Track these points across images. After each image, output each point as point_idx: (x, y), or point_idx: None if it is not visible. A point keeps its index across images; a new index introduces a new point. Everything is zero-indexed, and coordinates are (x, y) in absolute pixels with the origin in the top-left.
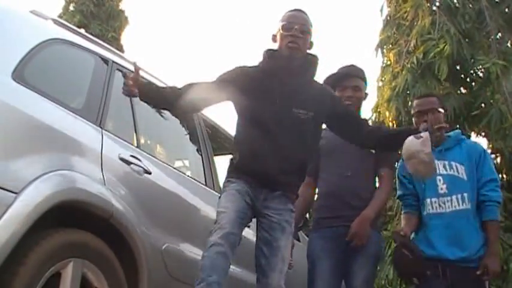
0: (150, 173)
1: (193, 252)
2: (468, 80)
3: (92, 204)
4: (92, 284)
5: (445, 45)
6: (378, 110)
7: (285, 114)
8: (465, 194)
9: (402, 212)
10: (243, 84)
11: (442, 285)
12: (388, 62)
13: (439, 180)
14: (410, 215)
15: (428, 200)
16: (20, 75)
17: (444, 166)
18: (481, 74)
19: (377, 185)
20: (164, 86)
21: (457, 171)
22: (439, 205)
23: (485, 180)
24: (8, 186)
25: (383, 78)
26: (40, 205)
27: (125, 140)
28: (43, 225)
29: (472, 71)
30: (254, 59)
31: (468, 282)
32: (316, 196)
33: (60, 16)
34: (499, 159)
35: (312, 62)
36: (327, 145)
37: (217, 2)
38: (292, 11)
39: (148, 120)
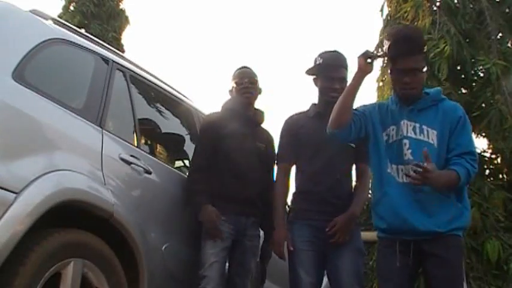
0: (150, 173)
1: (193, 252)
2: (468, 80)
3: (92, 204)
4: (92, 284)
5: (445, 46)
6: None
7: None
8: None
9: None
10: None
11: (405, 259)
12: None
13: (405, 144)
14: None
15: (392, 165)
16: (20, 75)
17: (414, 129)
18: (481, 75)
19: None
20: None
21: (428, 136)
22: (399, 173)
23: (461, 152)
24: (8, 186)
25: (383, 78)
26: (40, 205)
27: (125, 140)
28: (43, 225)
29: (472, 72)
30: (254, 58)
31: (440, 255)
32: (296, 184)
33: (60, 16)
34: (499, 159)
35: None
36: (311, 136)
37: (217, 1)
38: (239, 69)
39: (149, 120)
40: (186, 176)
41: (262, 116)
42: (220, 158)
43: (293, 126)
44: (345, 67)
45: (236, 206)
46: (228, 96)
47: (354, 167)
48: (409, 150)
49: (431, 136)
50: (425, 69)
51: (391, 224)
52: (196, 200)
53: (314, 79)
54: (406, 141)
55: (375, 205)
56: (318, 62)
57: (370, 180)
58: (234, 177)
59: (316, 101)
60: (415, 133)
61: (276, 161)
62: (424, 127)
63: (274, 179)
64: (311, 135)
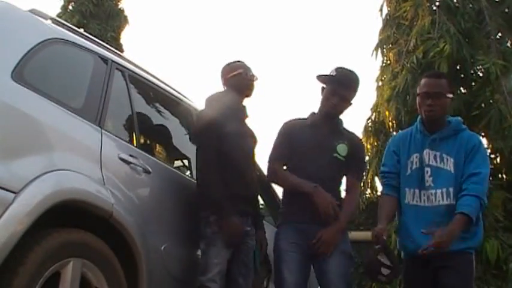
0: (149, 173)
1: (193, 251)
2: (468, 80)
3: (92, 204)
4: (92, 283)
5: (444, 45)
6: (378, 109)
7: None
8: (450, 189)
9: (383, 193)
10: None
11: (426, 273)
12: (388, 62)
13: (427, 172)
14: (391, 199)
15: (410, 190)
16: (19, 75)
17: (435, 157)
18: (480, 74)
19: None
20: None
21: (446, 164)
22: (421, 198)
23: (469, 174)
24: (7, 186)
25: (383, 78)
26: (40, 205)
27: (125, 140)
28: (43, 225)
29: (471, 71)
30: (253, 58)
31: (452, 267)
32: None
33: (59, 16)
34: (498, 159)
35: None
36: (304, 143)
37: (217, 1)
38: (239, 61)
39: (148, 120)
40: (200, 176)
41: (246, 112)
42: (222, 157)
43: (288, 130)
44: (354, 89)
45: (240, 205)
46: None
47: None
48: (431, 178)
49: (449, 164)
50: (450, 95)
51: (409, 248)
52: (222, 209)
53: (322, 87)
54: (427, 169)
55: (398, 230)
56: (331, 73)
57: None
58: (237, 176)
59: (316, 110)
60: (436, 161)
61: (268, 160)
62: (444, 156)
63: (269, 172)
64: (304, 142)
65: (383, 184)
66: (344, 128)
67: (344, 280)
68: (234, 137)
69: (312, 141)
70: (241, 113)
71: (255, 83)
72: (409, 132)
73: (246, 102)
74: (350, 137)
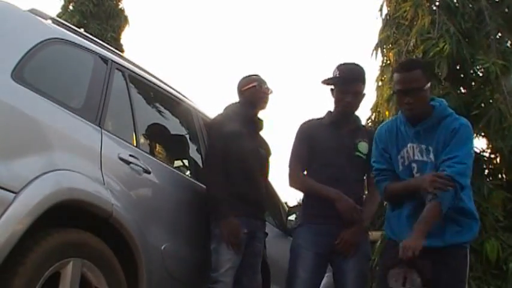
0: (149, 173)
1: (193, 251)
2: (468, 79)
3: (92, 204)
4: (92, 283)
5: (444, 45)
6: (378, 109)
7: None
8: None
9: (384, 186)
10: None
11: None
12: (388, 62)
13: (413, 168)
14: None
15: None
16: (19, 74)
17: (421, 151)
18: (480, 74)
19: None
20: None
21: (429, 156)
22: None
23: (442, 160)
24: (7, 186)
25: (383, 78)
26: (39, 205)
27: (124, 140)
28: (43, 225)
29: (471, 71)
30: (253, 58)
31: (445, 262)
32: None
33: (59, 16)
34: (498, 159)
35: None
36: (325, 144)
37: (217, 1)
38: (255, 75)
39: (148, 120)
40: (204, 177)
41: (262, 124)
42: (232, 159)
43: (307, 133)
44: (361, 80)
45: (248, 207)
46: (231, 97)
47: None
48: (418, 174)
49: (430, 156)
50: (427, 86)
51: (399, 238)
52: (220, 209)
53: (331, 89)
54: (414, 164)
55: (387, 219)
56: (335, 74)
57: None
58: (246, 179)
59: (331, 109)
60: (422, 156)
61: (288, 164)
62: (429, 148)
63: (290, 177)
64: (324, 143)
65: (381, 181)
66: (363, 125)
67: (362, 280)
68: (245, 141)
69: (332, 141)
70: (255, 124)
71: (270, 96)
72: (394, 125)
73: (262, 114)
74: (370, 134)
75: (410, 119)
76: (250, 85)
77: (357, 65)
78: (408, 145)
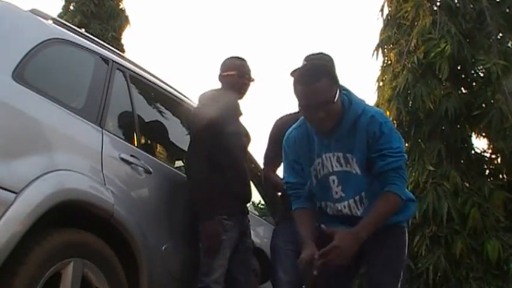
0: (150, 173)
1: (194, 252)
2: (469, 80)
3: (92, 204)
4: (93, 284)
5: (445, 45)
6: None
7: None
8: (363, 194)
9: (293, 208)
10: None
11: None
12: (389, 62)
13: (333, 181)
14: (308, 213)
15: (325, 203)
16: (20, 75)
17: (338, 161)
18: (481, 74)
19: None
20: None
21: (351, 165)
22: (338, 211)
23: (376, 156)
24: (8, 186)
25: (384, 78)
26: (40, 205)
27: (126, 140)
28: (43, 225)
29: (472, 71)
30: (254, 58)
31: (379, 240)
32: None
33: (60, 16)
34: (499, 159)
35: None
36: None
37: (218, 1)
38: (239, 59)
39: (149, 120)
40: (190, 174)
41: (241, 110)
42: (221, 156)
43: (282, 130)
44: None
45: (240, 205)
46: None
47: None
48: (339, 187)
49: (353, 165)
50: (337, 94)
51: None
52: (201, 209)
53: None
54: (333, 177)
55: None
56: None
57: None
58: (236, 176)
59: None
60: (341, 164)
61: (263, 163)
62: (348, 155)
63: (264, 178)
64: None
65: (291, 197)
66: None
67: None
68: (235, 137)
69: None
70: (237, 111)
71: (250, 85)
72: (305, 131)
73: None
74: None
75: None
76: (230, 72)
77: (324, 54)
78: (323, 155)
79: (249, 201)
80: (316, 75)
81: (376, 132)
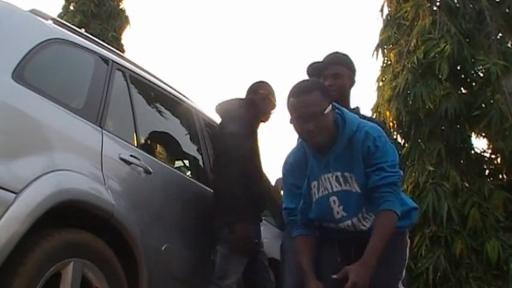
0: (150, 173)
1: (194, 252)
2: (468, 80)
3: (92, 205)
4: (93, 284)
5: (445, 45)
6: (379, 110)
7: None
8: (363, 209)
9: (294, 235)
10: None
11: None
12: (389, 62)
13: (334, 202)
14: (309, 241)
15: (324, 224)
16: (20, 75)
17: (338, 180)
18: (481, 74)
19: None
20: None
21: (351, 183)
22: (340, 228)
23: (370, 170)
24: (8, 186)
25: (383, 78)
26: (40, 205)
27: (125, 140)
28: (43, 225)
29: (472, 71)
30: (253, 58)
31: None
32: None
33: (60, 16)
34: (499, 159)
35: None
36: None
37: (218, 1)
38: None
39: (149, 120)
40: (227, 187)
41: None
42: (253, 174)
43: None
44: (341, 63)
45: (260, 214)
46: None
47: None
48: (340, 207)
49: (353, 183)
50: (329, 109)
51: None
52: (240, 211)
53: None
54: (333, 198)
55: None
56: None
57: None
58: (257, 185)
59: None
60: (340, 184)
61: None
62: (346, 174)
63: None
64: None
65: (290, 223)
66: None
67: None
68: (258, 158)
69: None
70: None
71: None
72: (302, 154)
73: None
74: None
75: (315, 149)
76: (268, 94)
77: (338, 52)
78: (322, 176)
79: (265, 209)
80: (308, 89)
81: (371, 147)
